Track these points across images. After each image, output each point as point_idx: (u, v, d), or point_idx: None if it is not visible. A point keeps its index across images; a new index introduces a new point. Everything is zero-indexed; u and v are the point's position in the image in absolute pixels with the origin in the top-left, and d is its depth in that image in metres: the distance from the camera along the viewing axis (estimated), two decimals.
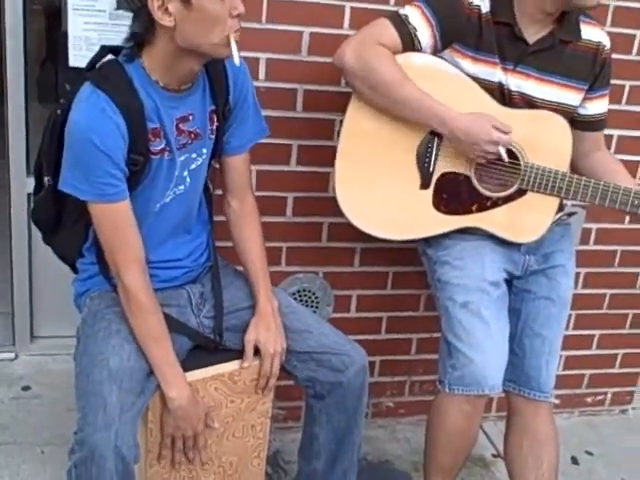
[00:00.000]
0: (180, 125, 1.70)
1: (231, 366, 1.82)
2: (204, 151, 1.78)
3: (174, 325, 1.75)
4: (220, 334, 1.84)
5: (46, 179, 1.75)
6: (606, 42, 2.00)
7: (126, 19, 2.39)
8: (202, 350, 1.83)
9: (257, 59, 2.14)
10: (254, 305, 1.86)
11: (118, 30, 2.35)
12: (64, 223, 1.81)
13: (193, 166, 1.76)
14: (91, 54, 2.11)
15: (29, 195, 2.50)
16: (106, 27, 2.36)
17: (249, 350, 1.82)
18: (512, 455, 2.08)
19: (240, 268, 1.96)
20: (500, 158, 1.89)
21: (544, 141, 1.94)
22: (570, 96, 1.98)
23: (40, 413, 2.45)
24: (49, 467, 2.21)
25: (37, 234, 2.55)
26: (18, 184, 2.54)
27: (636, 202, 1.89)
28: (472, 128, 1.85)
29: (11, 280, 2.69)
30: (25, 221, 2.60)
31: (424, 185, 1.97)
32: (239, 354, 1.84)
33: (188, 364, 1.76)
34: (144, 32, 1.60)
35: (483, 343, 1.91)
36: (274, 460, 2.36)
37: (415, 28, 1.86)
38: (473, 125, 1.85)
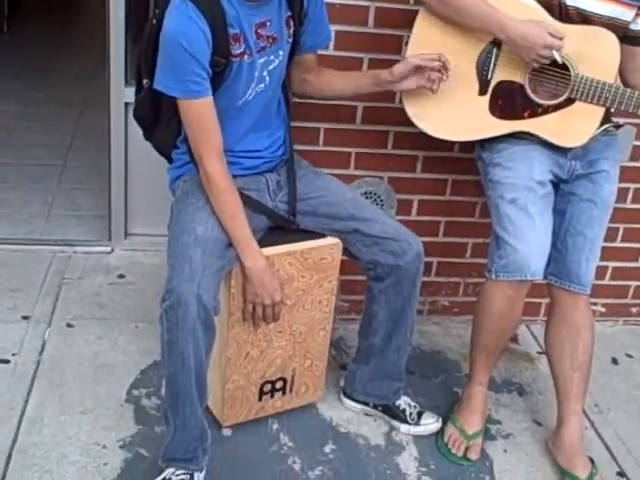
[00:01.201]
0: (259, 30, 1.93)
1: (303, 245, 2.08)
2: (281, 53, 2.01)
3: (253, 205, 2.02)
4: (294, 214, 2.10)
5: (145, 81, 2.02)
6: None
7: None
8: (278, 230, 2.09)
9: None
10: (324, 194, 2.11)
11: None
12: (161, 119, 2.08)
13: (271, 67, 1.99)
14: None
15: (126, 104, 2.78)
16: None
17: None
18: (551, 340, 2.29)
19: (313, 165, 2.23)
20: (553, 64, 2.06)
21: (594, 54, 2.08)
22: (623, 11, 2.10)
23: (133, 297, 2.77)
24: (142, 338, 2.54)
25: (133, 144, 2.88)
26: (117, 92, 2.80)
27: None
28: (529, 33, 2.02)
29: (109, 186, 3.00)
30: (122, 129, 2.87)
31: (482, 92, 2.16)
32: (311, 236, 2.10)
33: (265, 241, 2.02)
34: None
35: (527, 235, 2.11)
36: (337, 344, 2.62)
37: None
38: (530, 30, 2.02)
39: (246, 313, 2.04)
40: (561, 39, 2.03)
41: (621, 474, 2.27)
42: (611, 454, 2.34)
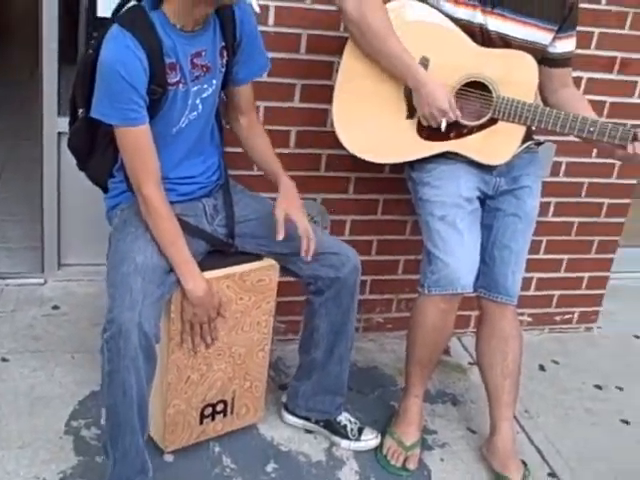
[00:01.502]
0: (194, 60, 1.97)
1: (241, 268, 2.12)
2: (214, 82, 2.05)
3: (192, 230, 2.05)
4: (232, 237, 2.13)
5: (80, 111, 2.04)
6: None
7: None
8: (217, 253, 2.12)
9: (267, 6, 2.38)
10: (261, 215, 2.14)
11: None
12: (96, 149, 2.09)
13: (204, 95, 2.03)
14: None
15: (59, 134, 2.76)
16: None
17: (280, 222, 2.02)
18: (482, 350, 2.38)
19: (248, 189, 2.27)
20: (476, 86, 2.17)
21: (514, 76, 2.19)
22: (542, 35, 2.23)
23: (68, 328, 2.74)
24: (78, 368, 2.51)
25: (66, 174, 2.86)
26: (50, 122, 2.77)
27: (591, 129, 2.15)
28: (435, 92, 2.13)
29: (41, 217, 2.96)
30: (55, 159, 2.84)
31: (410, 115, 2.24)
32: (249, 258, 2.14)
33: (204, 265, 2.04)
34: None
35: (457, 250, 2.21)
36: (276, 365, 2.66)
37: None
38: (437, 90, 2.13)
39: (184, 333, 2.06)
40: (456, 116, 2.16)
41: (552, 474, 2.38)
42: (542, 456, 2.44)
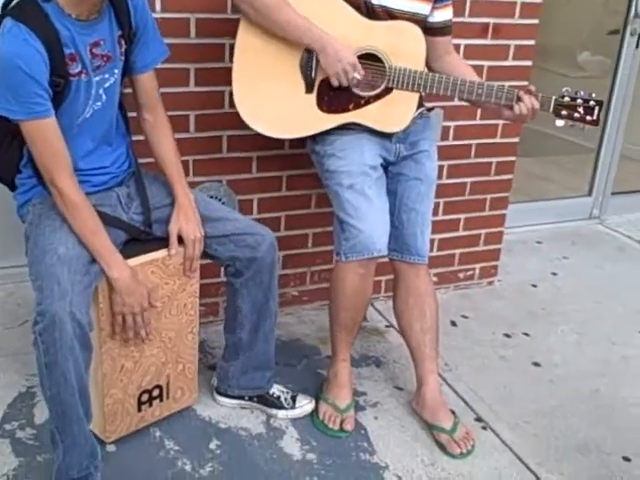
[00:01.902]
0: (93, 50, 1.96)
1: (162, 252, 2.14)
2: (116, 71, 2.05)
3: (109, 220, 2.04)
4: (149, 225, 2.15)
5: None
6: None
7: None
8: (135, 242, 2.13)
9: None
10: (173, 200, 2.18)
11: None
12: None
13: (107, 84, 2.03)
14: None
15: None
16: None
17: (173, 239, 2.14)
18: (400, 310, 2.49)
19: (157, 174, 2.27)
20: (368, 57, 2.25)
21: (403, 47, 2.29)
22: (421, 6, 2.34)
23: None
24: (0, 374, 2.47)
25: None
26: None
27: (479, 91, 2.29)
28: (343, 48, 2.21)
29: None
30: None
31: (308, 90, 2.31)
32: (167, 243, 2.15)
33: (125, 253, 2.04)
34: None
35: (369, 216, 2.29)
36: (201, 347, 2.63)
37: None
38: (343, 48, 2.21)
39: (116, 326, 2.06)
40: (362, 72, 2.24)
41: (478, 419, 2.51)
42: (467, 404, 2.57)
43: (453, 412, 2.43)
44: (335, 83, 2.25)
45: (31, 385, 2.43)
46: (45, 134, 1.90)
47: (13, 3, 1.90)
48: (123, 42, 2.06)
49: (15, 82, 1.82)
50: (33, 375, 2.44)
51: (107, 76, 2.03)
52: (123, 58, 2.08)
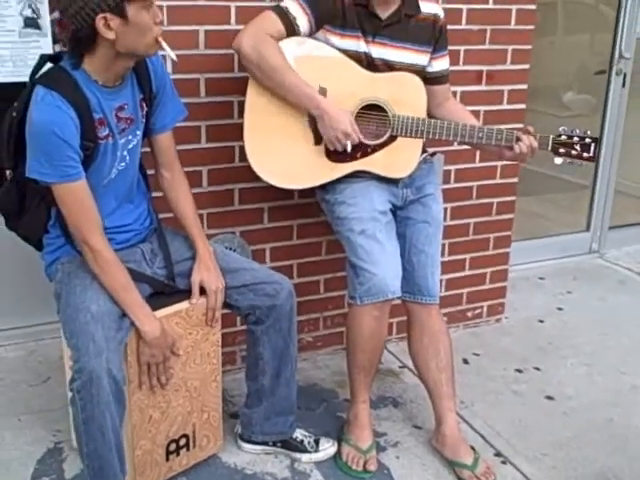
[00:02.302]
0: (118, 114, 2.07)
1: (186, 304, 2.21)
2: (138, 133, 2.16)
3: (135, 275, 2.11)
4: (172, 279, 2.23)
5: (8, 172, 2.09)
6: (440, 13, 2.51)
7: (34, 36, 2.76)
8: (159, 295, 2.20)
9: (164, 56, 2.48)
10: (194, 254, 2.26)
11: (27, 47, 2.69)
12: (28, 207, 2.13)
13: (130, 146, 2.14)
14: (5, 70, 2.48)
15: None
16: (16, 45, 2.67)
17: (195, 290, 2.22)
18: (416, 350, 2.55)
19: (177, 229, 2.36)
20: (373, 108, 2.36)
21: (405, 96, 2.41)
22: (419, 58, 2.47)
23: (7, 392, 2.74)
24: (28, 430, 2.53)
25: None
26: None
27: (480, 135, 2.39)
28: (338, 117, 2.31)
29: None
30: None
31: (317, 141, 2.41)
32: (190, 295, 2.22)
33: (151, 307, 2.10)
34: (88, 44, 1.95)
35: (381, 259, 2.37)
36: (222, 396, 2.72)
37: (295, 17, 2.31)
38: (339, 115, 2.31)
39: (142, 375, 2.12)
40: (357, 138, 2.34)
41: (498, 454, 2.55)
42: (485, 439, 2.62)
43: (473, 448, 2.48)
44: (331, 148, 2.36)
45: (58, 441, 2.48)
46: (77, 195, 1.98)
47: (42, 72, 2.01)
48: (145, 105, 2.16)
49: (50, 147, 1.91)
50: (59, 431, 2.52)
51: (130, 137, 2.13)
52: (144, 120, 2.18)
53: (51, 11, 2.64)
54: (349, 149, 2.35)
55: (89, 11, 1.88)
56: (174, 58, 2.04)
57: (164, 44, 2.00)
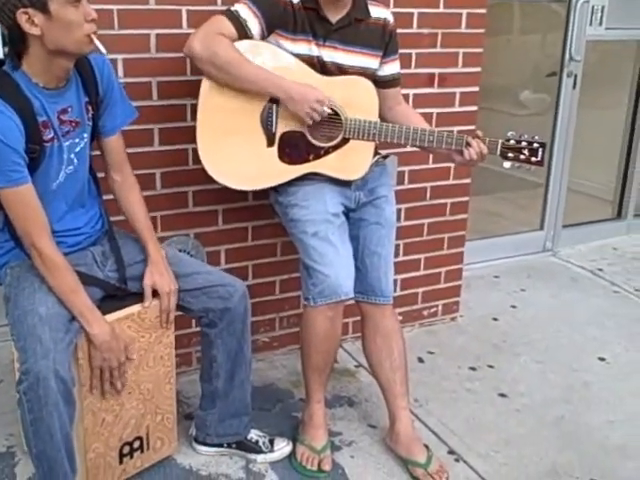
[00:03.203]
0: (61, 116, 2.06)
1: (137, 307, 2.21)
2: (85, 135, 2.15)
3: (85, 278, 2.11)
4: (124, 282, 2.22)
5: None
6: (390, 18, 2.54)
7: None
8: (111, 298, 2.20)
9: (115, 59, 2.50)
10: (146, 257, 2.26)
11: None
12: None
13: (77, 149, 2.13)
14: None
15: None
16: None
17: (148, 292, 2.22)
18: (370, 350, 2.58)
19: (128, 232, 2.36)
20: (322, 116, 2.37)
21: (357, 99, 2.43)
22: (370, 61, 2.50)
23: None
24: None
25: None
26: None
27: (430, 138, 2.41)
28: (304, 90, 2.33)
29: None
30: None
31: (270, 143, 2.42)
32: (142, 298, 2.22)
33: (102, 310, 2.10)
34: (19, 43, 1.96)
35: (334, 261, 2.39)
36: (177, 397, 2.65)
37: (245, 20, 2.32)
38: (304, 88, 2.33)
39: (95, 380, 2.12)
40: (327, 100, 2.36)
41: (451, 452, 2.59)
42: (438, 437, 2.66)
43: (426, 446, 2.51)
44: (309, 122, 2.36)
45: (11, 445, 2.47)
46: (23, 199, 1.97)
47: None
48: (91, 108, 2.16)
49: None
50: (11, 435, 2.51)
51: (77, 140, 2.12)
52: (91, 123, 2.17)
53: None
54: (326, 112, 2.36)
55: (11, 7, 1.88)
56: (103, 52, 2.02)
57: (96, 40, 1.97)
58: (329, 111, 2.37)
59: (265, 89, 2.35)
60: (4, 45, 2.65)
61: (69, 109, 2.08)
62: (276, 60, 2.39)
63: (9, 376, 2.70)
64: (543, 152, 2.44)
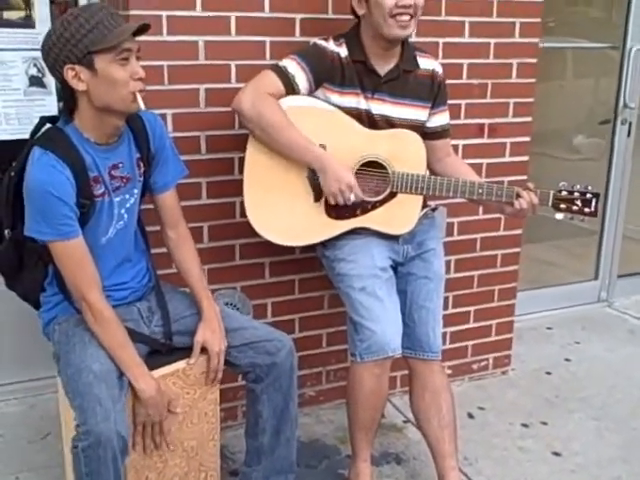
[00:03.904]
0: (112, 172, 2.09)
1: (183, 363, 2.20)
2: (135, 191, 2.17)
3: (132, 335, 2.11)
4: (170, 338, 2.22)
5: (6, 232, 2.11)
6: (439, 69, 2.54)
7: (39, 94, 2.82)
8: (157, 354, 2.20)
9: (164, 114, 2.53)
10: (198, 312, 2.25)
11: (32, 105, 2.76)
12: (26, 266, 2.15)
13: (128, 205, 2.15)
14: (10, 127, 2.51)
15: None
16: (22, 103, 2.74)
17: (197, 349, 2.21)
18: (418, 407, 2.53)
19: (177, 286, 2.37)
20: (373, 165, 2.37)
21: (404, 152, 2.42)
22: (419, 113, 2.49)
23: (6, 449, 2.73)
24: None
25: None
26: None
27: (480, 191, 2.40)
28: (340, 169, 2.32)
29: None
30: None
31: (317, 198, 2.42)
32: (188, 353, 2.22)
33: (148, 366, 2.10)
34: (69, 99, 2.01)
35: (381, 316, 2.36)
36: (222, 453, 2.66)
37: (293, 75, 2.34)
38: (341, 168, 2.32)
39: (136, 435, 2.11)
40: (357, 193, 2.34)
41: None
42: None
43: None
44: (332, 201, 2.36)
45: None
46: (74, 252, 2.00)
47: (40, 132, 2.05)
48: (142, 164, 2.18)
49: (46, 206, 1.94)
50: None
51: (127, 196, 2.15)
52: (142, 179, 2.20)
53: None
54: (352, 200, 2.35)
55: (61, 62, 1.94)
56: (142, 108, 2.02)
57: (139, 98, 1.99)
58: (354, 199, 2.35)
59: (302, 158, 2.36)
60: (59, 100, 2.73)
61: (120, 165, 2.11)
62: (322, 114, 2.40)
63: (57, 428, 2.72)
64: (597, 202, 2.40)
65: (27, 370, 3.01)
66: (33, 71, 2.76)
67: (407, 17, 2.32)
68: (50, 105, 2.78)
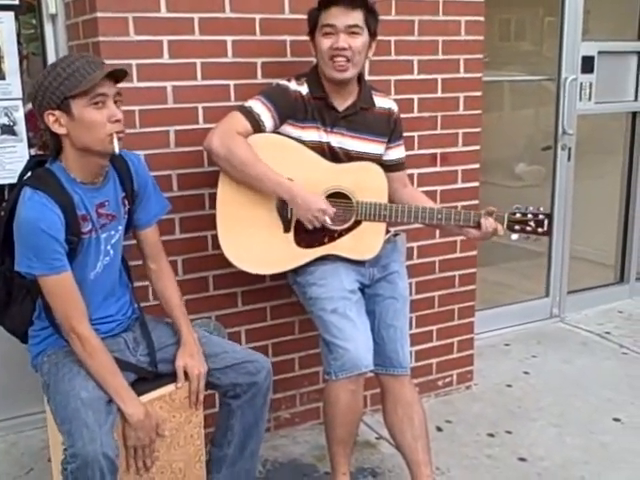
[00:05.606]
0: (99, 210, 2.22)
1: (169, 388, 2.31)
2: (120, 228, 2.30)
3: (120, 364, 2.21)
4: (155, 365, 2.34)
5: None
6: (394, 107, 2.73)
7: (11, 141, 2.93)
8: (143, 381, 2.31)
9: (138, 154, 2.66)
10: (178, 339, 2.38)
11: (3, 152, 2.89)
12: (14, 300, 2.25)
13: (113, 241, 2.28)
14: None
15: None
16: None
17: (180, 374, 2.32)
18: (391, 421, 2.67)
19: (159, 317, 2.49)
20: (338, 196, 2.53)
21: (367, 183, 2.59)
22: (376, 147, 2.67)
23: None
24: None
25: None
26: None
27: (439, 216, 2.58)
28: (310, 197, 2.48)
29: None
30: None
31: (286, 229, 2.57)
32: (173, 379, 2.33)
33: (136, 392, 2.20)
34: (53, 142, 2.14)
35: (353, 335, 2.50)
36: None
37: (259, 115, 2.50)
38: (309, 198, 2.48)
39: (129, 458, 2.21)
40: (331, 212, 2.50)
41: None
42: None
43: None
44: (310, 227, 2.51)
45: None
46: (64, 286, 2.11)
47: (30, 174, 2.17)
48: (127, 202, 2.31)
49: (37, 242, 2.05)
50: None
51: (113, 233, 2.27)
52: (126, 216, 2.33)
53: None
54: (328, 222, 2.50)
55: (43, 109, 2.08)
56: (116, 151, 2.13)
57: (115, 140, 2.10)
58: (330, 222, 2.51)
59: (274, 191, 2.50)
60: (30, 147, 2.86)
61: (106, 203, 2.23)
62: (288, 150, 2.56)
63: (40, 463, 2.80)
64: (549, 222, 2.58)
65: (8, 408, 3.08)
66: (4, 120, 2.88)
67: (343, 59, 2.50)
68: (21, 152, 2.89)
